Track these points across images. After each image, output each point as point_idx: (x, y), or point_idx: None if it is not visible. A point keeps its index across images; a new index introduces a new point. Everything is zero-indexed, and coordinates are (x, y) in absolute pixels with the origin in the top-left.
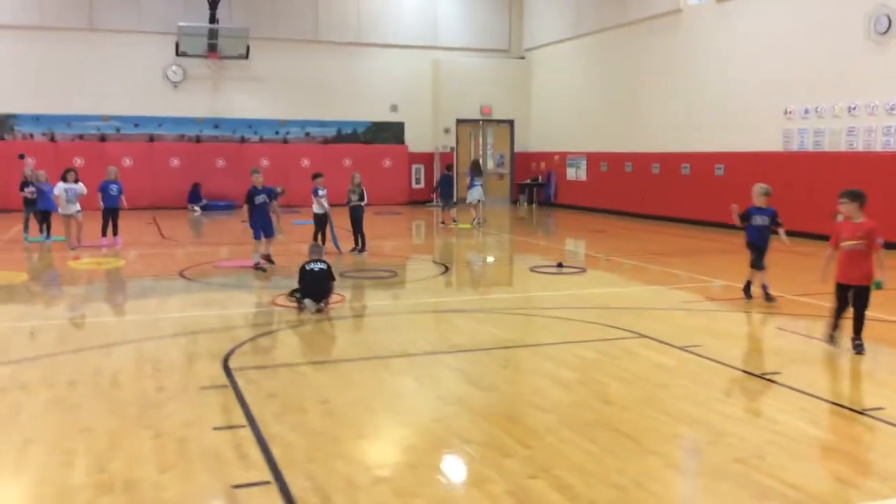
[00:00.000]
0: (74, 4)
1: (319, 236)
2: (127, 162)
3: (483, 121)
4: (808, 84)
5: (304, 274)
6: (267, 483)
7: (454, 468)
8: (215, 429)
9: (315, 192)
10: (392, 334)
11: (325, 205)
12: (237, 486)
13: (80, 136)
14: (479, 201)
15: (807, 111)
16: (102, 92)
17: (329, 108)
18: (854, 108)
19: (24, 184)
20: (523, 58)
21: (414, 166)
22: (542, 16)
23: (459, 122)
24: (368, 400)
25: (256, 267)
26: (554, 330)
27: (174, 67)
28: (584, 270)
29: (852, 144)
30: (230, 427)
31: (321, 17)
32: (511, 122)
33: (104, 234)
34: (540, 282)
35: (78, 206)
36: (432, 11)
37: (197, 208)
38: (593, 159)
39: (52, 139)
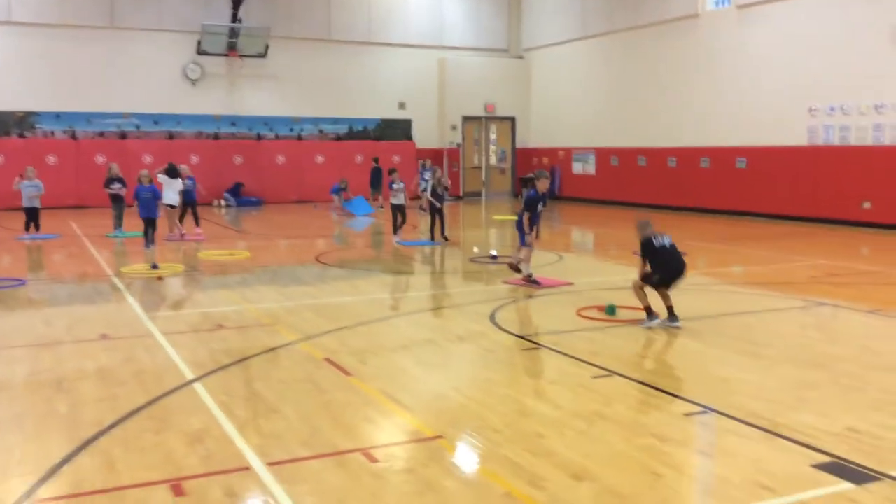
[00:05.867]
0: (95, 2)
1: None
2: (147, 159)
3: (486, 118)
4: (832, 85)
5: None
6: None
7: None
8: None
9: (390, 186)
10: (774, 337)
11: (402, 198)
12: None
13: (101, 134)
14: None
15: (832, 108)
16: (122, 89)
17: (341, 106)
18: (882, 107)
19: (110, 181)
20: (522, 57)
21: (421, 162)
22: (540, 18)
23: (465, 119)
24: None
25: (529, 280)
26: None
27: (192, 65)
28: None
29: (880, 139)
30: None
31: (334, 17)
32: (513, 119)
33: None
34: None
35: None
36: (438, 12)
37: (229, 203)
38: (603, 154)
39: (74, 137)
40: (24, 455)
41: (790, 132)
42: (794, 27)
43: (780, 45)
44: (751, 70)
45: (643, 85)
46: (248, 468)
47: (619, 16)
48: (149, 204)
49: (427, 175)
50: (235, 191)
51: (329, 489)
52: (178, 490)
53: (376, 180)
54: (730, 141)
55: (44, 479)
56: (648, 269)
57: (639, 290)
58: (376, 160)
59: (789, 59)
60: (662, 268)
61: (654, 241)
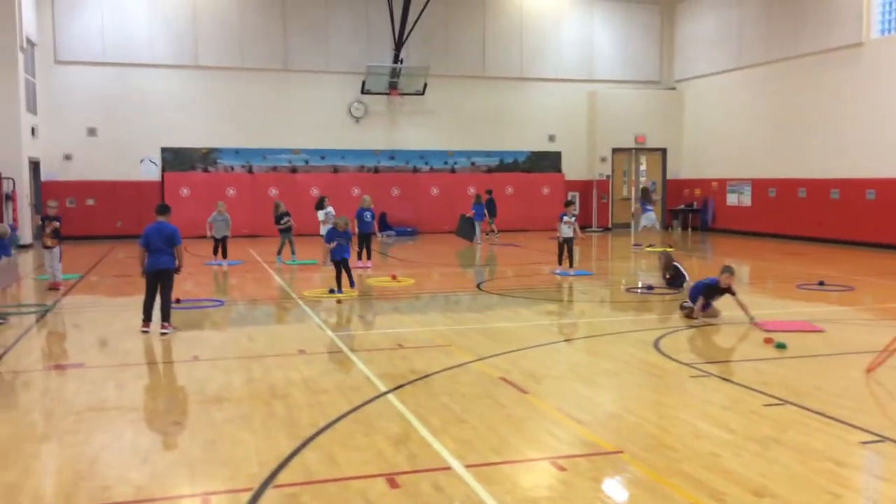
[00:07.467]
0: (271, 47)
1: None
2: (314, 192)
3: (636, 150)
4: None
5: None
6: None
7: None
8: None
9: (561, 217)
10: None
11: (569, 230)
12: None
13: (274, 168)
14: (650, 225)
15: None
16: (293, 127)
17: (493, 139)
18: None
19: (279, 217)
20: (674, 88)
21: (570, 193)
22: (694, 49)
23: (615, 150)
24: None
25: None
26: None
27: (356, 104)
28: (851, 288)
29: None
30: None
31: (488, 54)
32: (663, 151)
33: (359, 257)
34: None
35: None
36: (588, 46)
37: (390, 234)
38: (759, 185)
39: (250, 171)
40: (258, 448)
41: None
42: None
43: None
44: None
45: (802, 115)
46: (448, 468)
47: (776, 46)
48: (343, 248)
49: (649, 208)
50: (382, 221)
51: (523, 491)
52: (393, 483)
53: (492, 210)
54: None
55: (279, 468)
56: None
57: None
58: (490, 192)
59: None
60: None
61: None
